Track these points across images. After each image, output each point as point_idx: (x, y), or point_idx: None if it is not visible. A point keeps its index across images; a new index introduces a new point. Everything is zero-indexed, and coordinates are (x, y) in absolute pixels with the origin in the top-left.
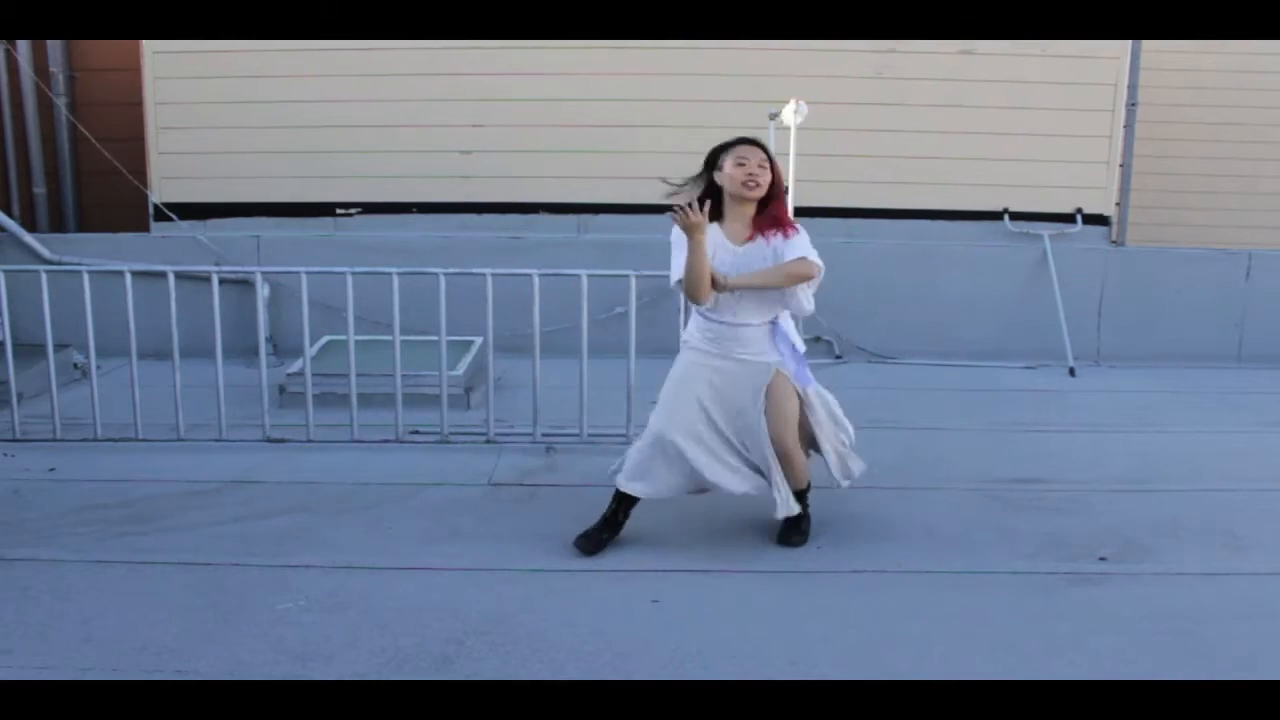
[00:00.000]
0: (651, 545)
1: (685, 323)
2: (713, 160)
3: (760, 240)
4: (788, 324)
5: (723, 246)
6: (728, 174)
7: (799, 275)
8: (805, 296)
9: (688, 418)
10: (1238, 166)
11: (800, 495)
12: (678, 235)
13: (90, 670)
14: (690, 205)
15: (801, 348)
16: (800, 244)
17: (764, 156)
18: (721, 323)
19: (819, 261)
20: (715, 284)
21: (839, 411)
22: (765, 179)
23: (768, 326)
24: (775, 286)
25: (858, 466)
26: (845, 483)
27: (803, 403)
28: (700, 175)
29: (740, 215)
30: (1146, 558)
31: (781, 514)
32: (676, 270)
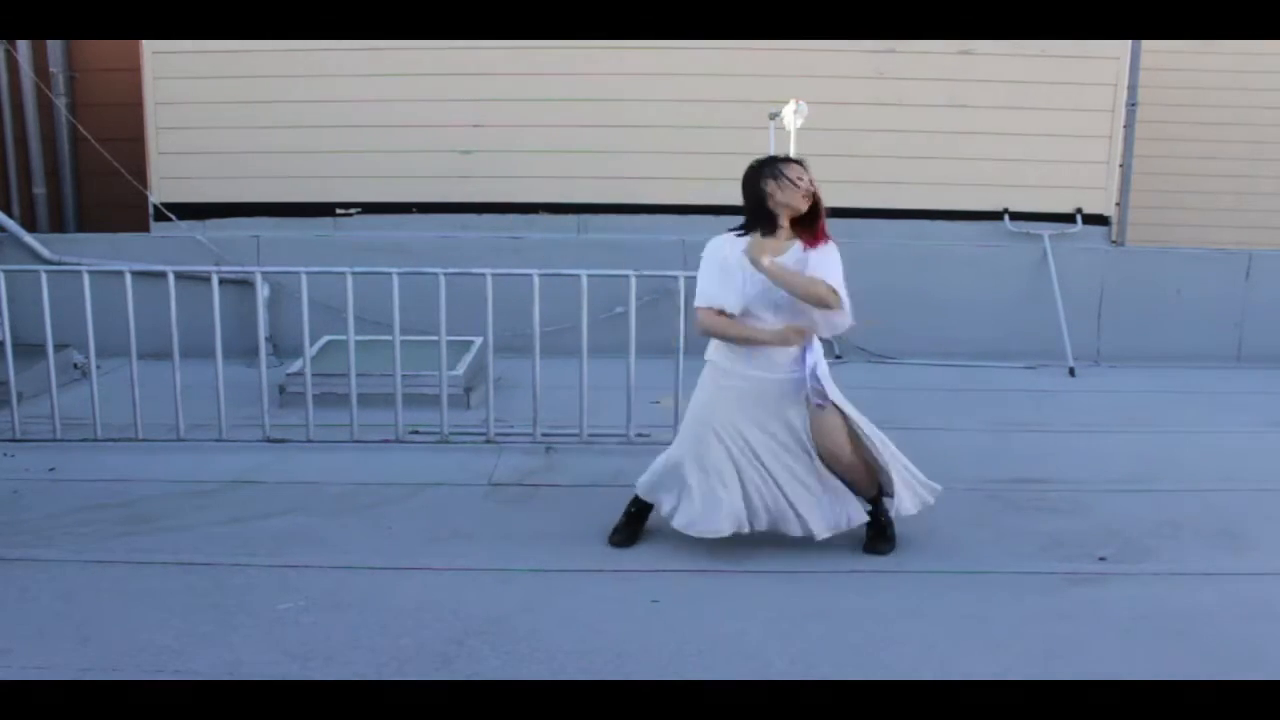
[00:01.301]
0: (651, 545)
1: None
2: (756, 177)
3: (797, 247)
4: (817, 345)
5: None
6: (787, 186)
7: (816, 297)
8: (824, 321)
9: (700, 451)
10: (1237, 167)
11: (876, 503)
12: (713, 253)
13: (90, 670)
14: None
15: (823, 369)
16: (829, 264)
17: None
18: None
19: (843, 295)
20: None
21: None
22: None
23: (797, 350)
24: (793, 292)
25: (928, 491)
26: (914, 509)
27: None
28: (751, 203)
29: (779, 233)
30: (1146, 558)
31: (831, 531)
32: (709, 297)
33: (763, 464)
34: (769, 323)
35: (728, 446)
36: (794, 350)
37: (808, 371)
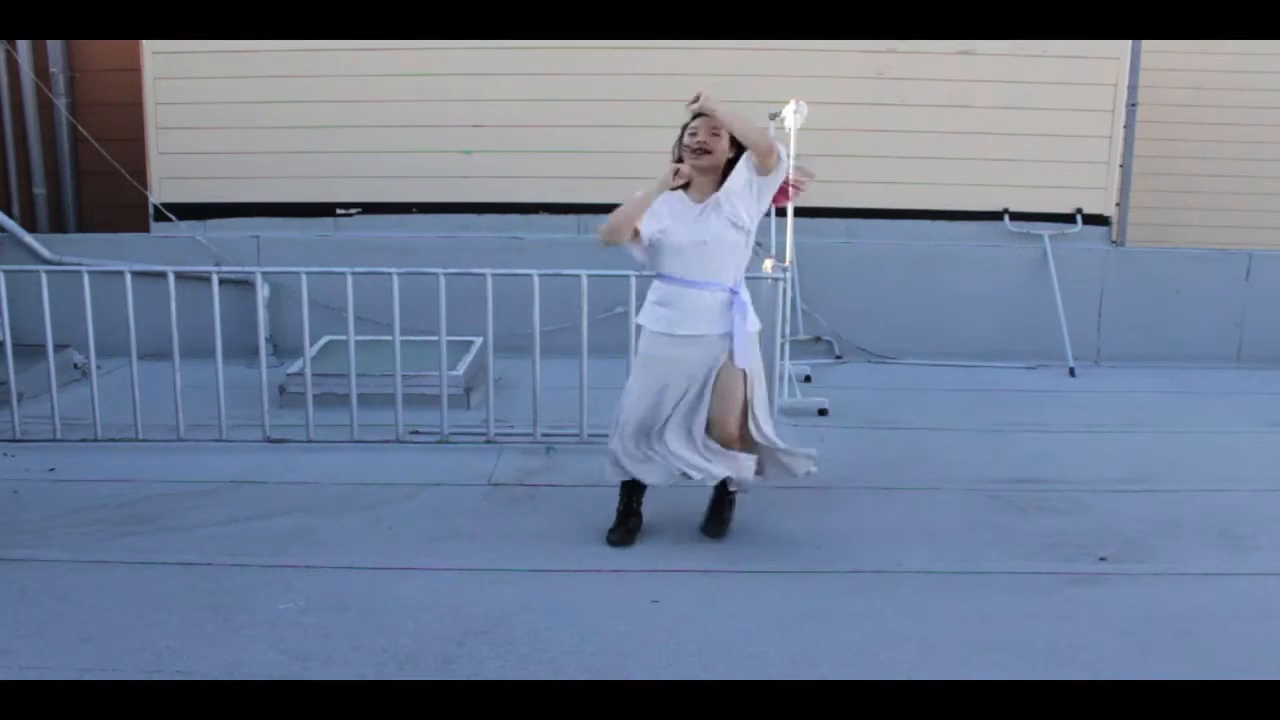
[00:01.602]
0: (651, 545)
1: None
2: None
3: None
4: (747, 295)
5: (684, 205)
6: (684, 144)
7: (754, 132)
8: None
9: (625, 425)
10: (1237, 167)
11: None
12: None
13: (89, 670)
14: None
15: (756, 326)
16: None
17: (715, 125)
18: (683, 283)
19: (779, 148)
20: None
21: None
22: (717, 145)
23: (726, 296)
24: (732, 125)
25: (799, 465)
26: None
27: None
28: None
29: (702, 186)
30: (1146, 558)
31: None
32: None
33: (668, 430)
34: (706, 264)
35: (642, 416)
36: (722, 300)
37: (740, 327)
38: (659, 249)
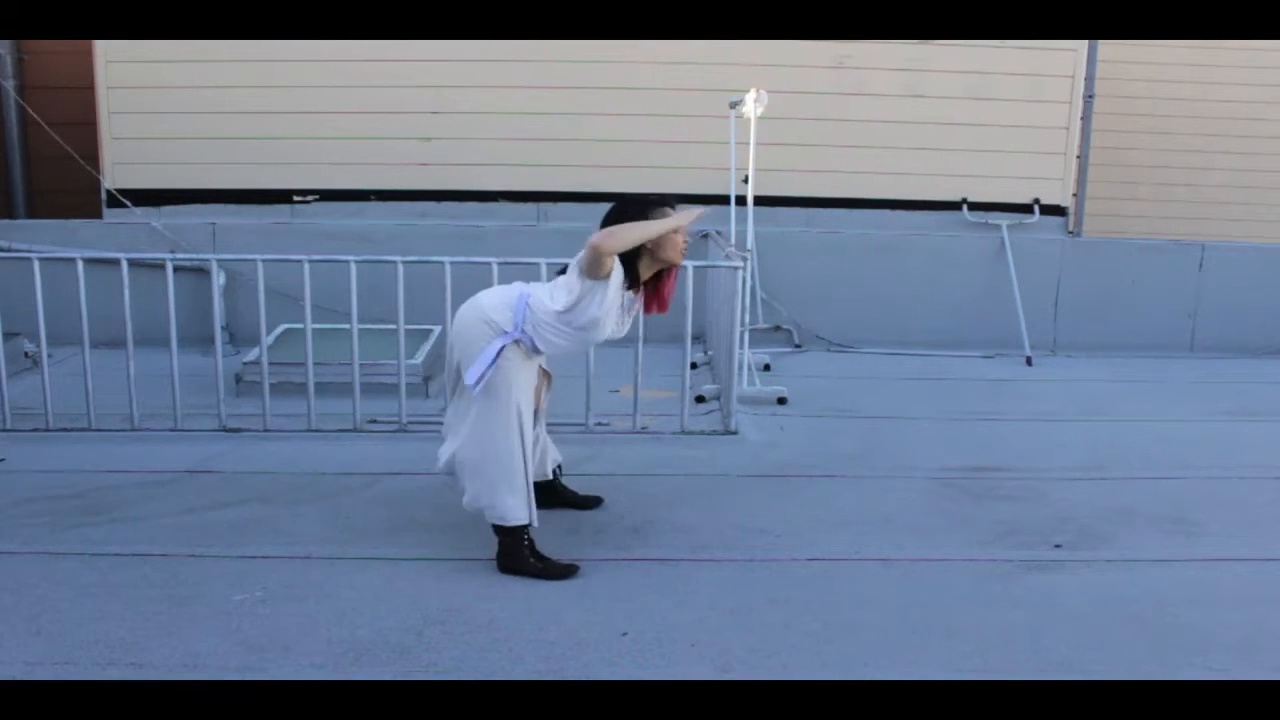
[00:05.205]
0: (610, 534)
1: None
2: (642, 209)
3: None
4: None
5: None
6: (671, 240)
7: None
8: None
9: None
10: (1191, 159)
11: None
12: (582, 286)
13: (40, 664)
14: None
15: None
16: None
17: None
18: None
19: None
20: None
21: None
22: None
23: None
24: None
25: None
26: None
27: None
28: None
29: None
30: (1101, 545)
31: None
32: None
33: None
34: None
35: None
36: None
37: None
38: (593, 321)
